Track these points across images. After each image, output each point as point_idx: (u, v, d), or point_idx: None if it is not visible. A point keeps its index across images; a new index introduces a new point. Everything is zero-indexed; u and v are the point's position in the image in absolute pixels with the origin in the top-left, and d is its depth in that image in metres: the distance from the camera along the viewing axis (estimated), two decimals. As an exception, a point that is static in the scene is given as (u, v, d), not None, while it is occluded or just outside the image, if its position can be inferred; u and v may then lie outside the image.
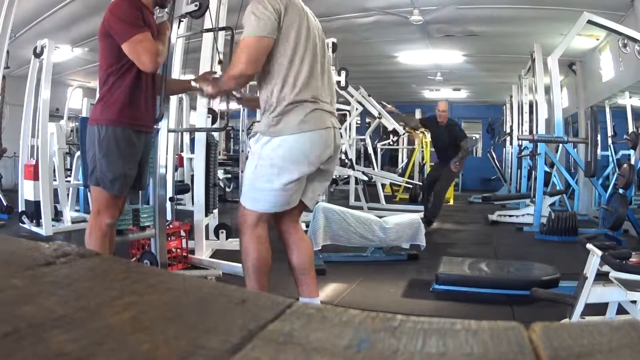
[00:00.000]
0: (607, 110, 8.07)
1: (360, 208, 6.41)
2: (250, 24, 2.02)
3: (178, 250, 3.71)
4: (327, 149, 2.15)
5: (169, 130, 3.31)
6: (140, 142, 2.45)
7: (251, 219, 2.16)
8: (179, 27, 3.50)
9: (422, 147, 10.16)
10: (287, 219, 2.29)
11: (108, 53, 2.30)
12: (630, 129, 7.09)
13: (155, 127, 2.85)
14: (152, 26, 2.37)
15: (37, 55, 5.23)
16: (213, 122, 4.52)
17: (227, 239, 4.28)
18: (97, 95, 2.42)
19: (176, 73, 4.24)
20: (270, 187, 2.10)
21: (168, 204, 3.55)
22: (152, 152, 2.90)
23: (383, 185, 8.68)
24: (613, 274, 2.16)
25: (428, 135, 10.49)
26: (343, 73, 6.44)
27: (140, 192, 3.15)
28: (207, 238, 4.15)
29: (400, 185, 9.51)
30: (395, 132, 9.32)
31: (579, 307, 2.18)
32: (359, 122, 12.33)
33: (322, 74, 2.18)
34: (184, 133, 6.87)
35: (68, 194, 5.49)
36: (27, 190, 5.07)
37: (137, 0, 2.32)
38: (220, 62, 2.47)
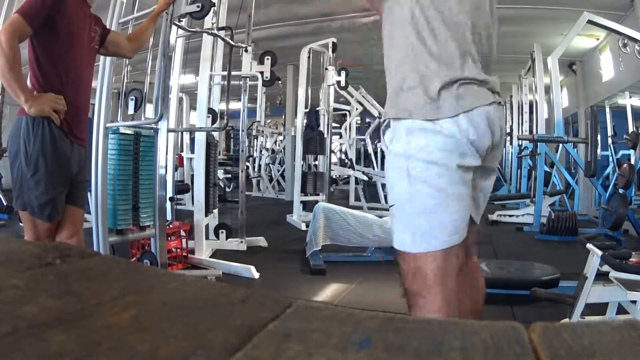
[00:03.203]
0: (607, 110, 8.08)
1: (360, 208, 6.41)
2: None
3: (178, 250, 3.71)
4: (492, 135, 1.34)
5: (169, 130, 3.31)
6: (74, 154, 2.18)
7: (433, 273, 1.21)
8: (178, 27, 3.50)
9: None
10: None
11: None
12: (630, 128, 7.10)
13: (155, 126, 2.85)
14: (75, 17, 2.14)
15: (37, 55, 5.21)
16: (213, 122, 4.52)
17: (227, 238, 4.28)
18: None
19: (176, 73, 4.25)
20: (440, 202, 1.23)
21: (168, 204, 3.55)
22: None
23: (383, 185, 8.68)
24: (613, 274, 2.16)
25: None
26: (343, 73, 6.44)
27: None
28: (207, 238, 4.16)
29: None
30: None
31: (579, 307, 2.18)
32: (358, 122, 12.32)
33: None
34: (184, 133, 6.87)
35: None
36: (27, 190, 5.06)
37: None
38: None
